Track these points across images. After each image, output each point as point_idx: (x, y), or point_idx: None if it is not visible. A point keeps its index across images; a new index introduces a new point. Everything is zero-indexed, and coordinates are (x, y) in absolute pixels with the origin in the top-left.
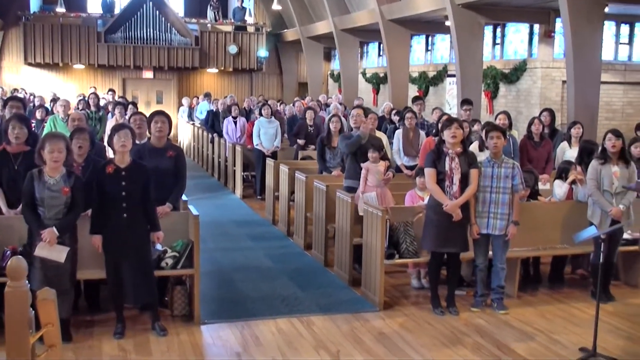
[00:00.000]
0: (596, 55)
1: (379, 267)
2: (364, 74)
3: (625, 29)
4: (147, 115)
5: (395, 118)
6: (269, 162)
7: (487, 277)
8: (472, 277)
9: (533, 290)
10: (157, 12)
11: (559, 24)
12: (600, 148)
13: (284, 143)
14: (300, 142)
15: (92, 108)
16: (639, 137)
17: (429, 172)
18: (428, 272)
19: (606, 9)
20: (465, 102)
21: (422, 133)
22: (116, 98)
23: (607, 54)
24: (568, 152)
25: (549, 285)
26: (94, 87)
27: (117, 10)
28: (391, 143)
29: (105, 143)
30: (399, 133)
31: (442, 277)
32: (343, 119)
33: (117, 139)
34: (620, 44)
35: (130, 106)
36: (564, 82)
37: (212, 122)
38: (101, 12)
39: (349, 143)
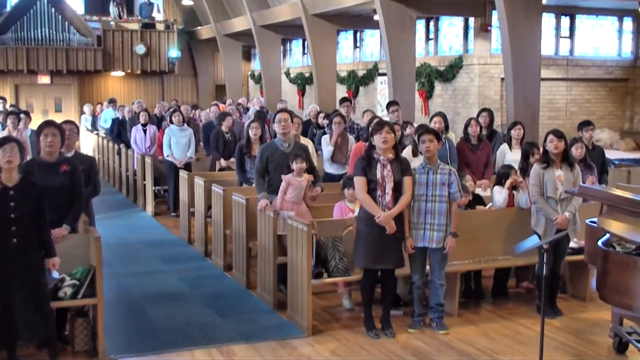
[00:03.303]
0: (535, 49)
1: (305, 288)
2: (287, 74)
3: (565, 21)
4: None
5: (325, 122)
6: (183, 175)
7: (425, 294)
8: (408, 295)
9: (475, 307)
10: (53, 9)
11: (495, 17)
12: (541, 150)
13: (200, 153)
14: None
15: None
16: (579, 137)
17: (359, 181)
18: (360, 291)
19: (544, 1)
20: (391, 103)
21: (352, 138)
22: (7, 107)
23: (547, 49)
24: (508, 155)
25: (492, 300)
26: None
27: (7, 8)
28: (317, 150)
29: None
30: (326, 138)
31: (376, 296)
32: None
33: (2, 154)
34: (561, 37)
35: (22, 116)
36: (502, 79)
37: (119, 132)
38: None
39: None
